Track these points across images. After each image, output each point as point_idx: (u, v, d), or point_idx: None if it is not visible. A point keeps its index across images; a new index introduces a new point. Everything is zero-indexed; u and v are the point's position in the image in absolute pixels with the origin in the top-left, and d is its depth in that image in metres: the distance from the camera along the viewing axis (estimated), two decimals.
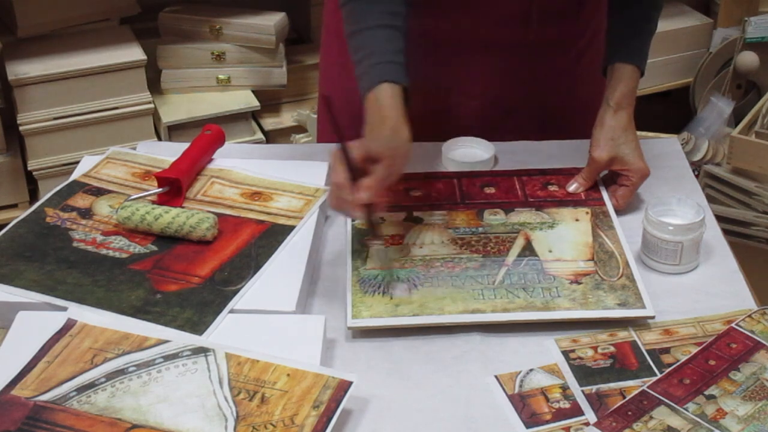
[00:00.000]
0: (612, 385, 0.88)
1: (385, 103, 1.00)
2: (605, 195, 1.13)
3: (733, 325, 0.93)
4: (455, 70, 1.23)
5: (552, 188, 1.14)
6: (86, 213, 1.10)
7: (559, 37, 1.22)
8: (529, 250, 1.03)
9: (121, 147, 1.39)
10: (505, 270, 1.00)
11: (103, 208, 1.11)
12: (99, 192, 1.14)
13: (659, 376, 0.88)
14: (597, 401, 0.86)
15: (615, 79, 1.14)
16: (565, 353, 0.92)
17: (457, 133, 1.25)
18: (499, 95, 1.25)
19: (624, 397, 0.86)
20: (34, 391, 0.85)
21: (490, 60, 1.22)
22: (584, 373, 0.89)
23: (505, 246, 1.03)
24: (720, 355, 0.89)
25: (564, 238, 1.05)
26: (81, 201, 1.12)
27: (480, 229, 1.06)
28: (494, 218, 1.08)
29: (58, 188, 1.15)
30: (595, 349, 0.92)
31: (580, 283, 0.98)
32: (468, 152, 1.23)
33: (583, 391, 0.87)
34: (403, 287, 0.98)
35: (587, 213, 1.09)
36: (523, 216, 1.08)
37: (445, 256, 1.02)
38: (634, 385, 0.87)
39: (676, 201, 1.07)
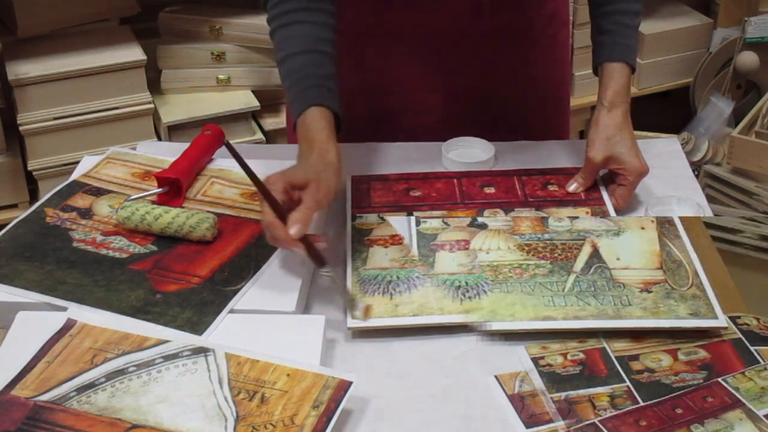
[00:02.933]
0: (581, 391, 0.88)
1: (312, 126, 1.00)
2: (605, 194, 1.13)
3: (719, 379, 0.90)
4: (411, 64, 1.24)
5: (552, 188, 1.14)
6: (86, 213, 1.11)
7: (512, 28, 1.24)
8: (596, 257, 1.03)
9: (121, 147, 1.39)
10: (573, 277, 1.00)
11: (102, 208, 1.12)
12: (99, 192, 1.15)
13: (618, 412, 0.86)
14: (566, 408, 0.87)
15: (606, 77, 1.15)
16: (535, 360, 0.92)
17: (421, 130, 1.27)
18: (457, 88, 1.26)
19: (593, 404, 0.87)
20: (34, 391, 0.86)
21: (444, 52, 1.23)
22: (553, 380, 0.90)
23: (572, 253, 1.03)
24: (691, 405, 0.87)
25: (631, 246, 1.05)
26: (81, 201, 1.13)
27: (546, 236, 1.06)
28: (559, 225, 1.08)
29: (58, 188, 1.16)
30: (564, 355, 0.93)
31: (650, 292, 0.98)
32: (468, 152, 1.23)
33: (552, 398, 0.88)
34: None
35: (653, 221, 1.08)
36: (587, 223, 1.08)
37: (512, 262, 1.02)
38: (603, 392, 0.88)
39: (676, 201, 1.07)
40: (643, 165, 1.12)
